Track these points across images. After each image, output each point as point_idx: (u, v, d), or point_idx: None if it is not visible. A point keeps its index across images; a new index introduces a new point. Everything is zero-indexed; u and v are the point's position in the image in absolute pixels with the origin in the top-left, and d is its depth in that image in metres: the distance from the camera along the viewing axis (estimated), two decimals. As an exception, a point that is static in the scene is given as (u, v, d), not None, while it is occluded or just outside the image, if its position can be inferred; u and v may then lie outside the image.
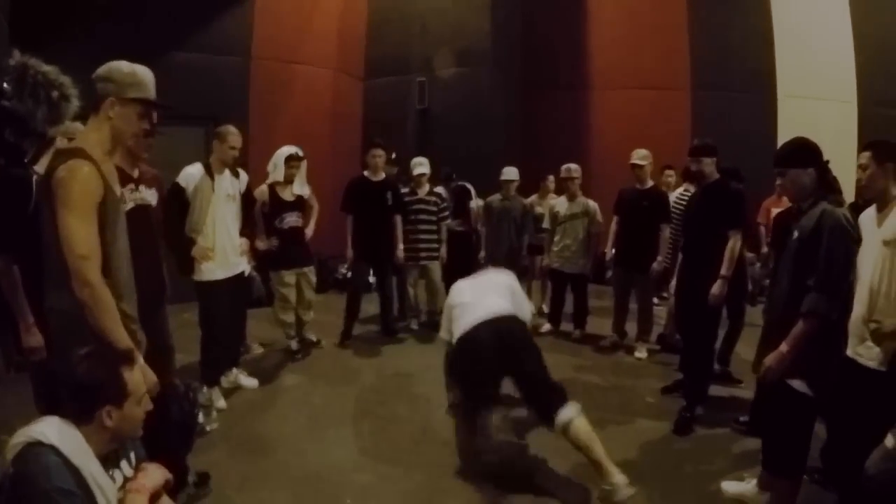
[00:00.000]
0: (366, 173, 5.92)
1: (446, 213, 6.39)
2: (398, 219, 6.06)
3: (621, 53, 9.29)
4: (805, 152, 2.79)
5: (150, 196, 3.18)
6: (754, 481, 3.07)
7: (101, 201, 2.11)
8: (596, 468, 3.01)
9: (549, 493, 3.25)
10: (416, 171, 6.21)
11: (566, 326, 6.40)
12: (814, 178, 2.73)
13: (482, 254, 6.65)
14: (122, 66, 2.24)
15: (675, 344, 5.70)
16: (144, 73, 2.28)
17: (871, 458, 2.07)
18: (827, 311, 2.53)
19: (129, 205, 2.95)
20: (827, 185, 2.74)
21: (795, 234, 2.72)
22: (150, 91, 2.29)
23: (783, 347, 2.62)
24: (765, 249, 7.16)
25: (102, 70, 2.22)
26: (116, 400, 1.78)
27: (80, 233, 2.03)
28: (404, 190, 6.26)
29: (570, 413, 3.10)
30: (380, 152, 5.85)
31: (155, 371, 2.25)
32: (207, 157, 4.39)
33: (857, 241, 2.67)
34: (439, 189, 6.61)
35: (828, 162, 2.77)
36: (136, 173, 3.03)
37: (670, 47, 8.99)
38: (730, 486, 3.21)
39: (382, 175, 5.91)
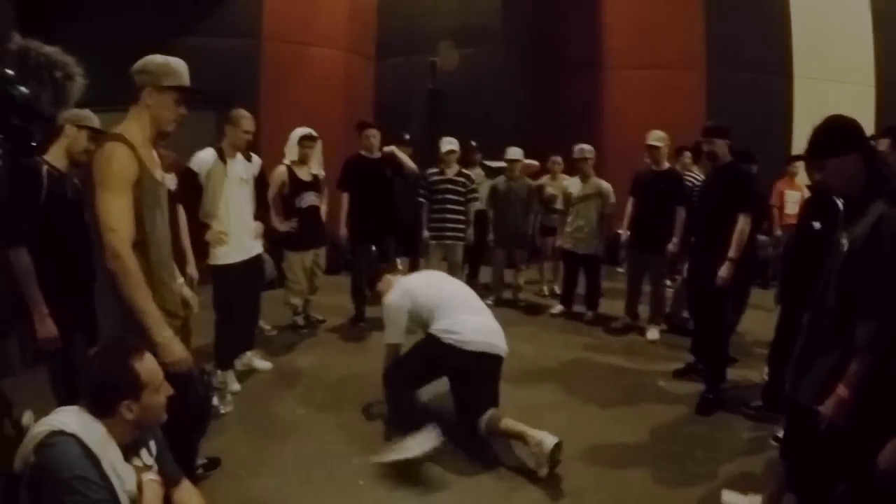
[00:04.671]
0: (362, 152, 5.86)
1: (475, 195, 6.31)
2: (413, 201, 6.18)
3: (636, 32, 9.14)
4: (843, 135, 2.30)
5: (168, 181, 3.23)
6: (758, 499, 2.91)
7: (137, 182, 2.25)
8: (522, 439, 3.27)
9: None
10: (445, 149, 6.14)
11: (578, 308, 6.40)
12: (860, 163, 2.24)
13: (490, 236, 6.66)
14: (157, 58, 2.38)
15: (681, 324, 5.72)
16: (178, 63, 2.40)
17: (884, 453, 2.01)
18: (888, 343, 2.05)
19: None
20: (876, 172, 2.25)
21: (845, 243, 2.27)
22: (184, 79, 2.41)
23: (842, 392, 2.14)
24: (778, 232, 7.12)
25: (138, 64, 2.36)
26: (133, 394, 1.80)
27: (111, 207, 2.18)
28: (433, 170, 6.22)
29: (488, 414, 3.41)
30: (374, 132, 5.79)
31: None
32: (219, 140, 4.39)
33: None
34: (468, 170, 6.49)
35: (872, 138, 2.36)
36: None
37: (686, 27, 8.82)
38: (730, 498, 3.05)
39: (378, 154, 5.84)
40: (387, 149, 5.83)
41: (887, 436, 2.08)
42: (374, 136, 5.78)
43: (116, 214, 2.18)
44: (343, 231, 5.79)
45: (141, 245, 2.28)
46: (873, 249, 2.12)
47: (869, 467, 2.08)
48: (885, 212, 2.12)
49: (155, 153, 2.50)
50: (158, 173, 2.47)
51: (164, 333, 2.22)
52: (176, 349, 2.26)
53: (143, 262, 2.27)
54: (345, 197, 5.80)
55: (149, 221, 2.31)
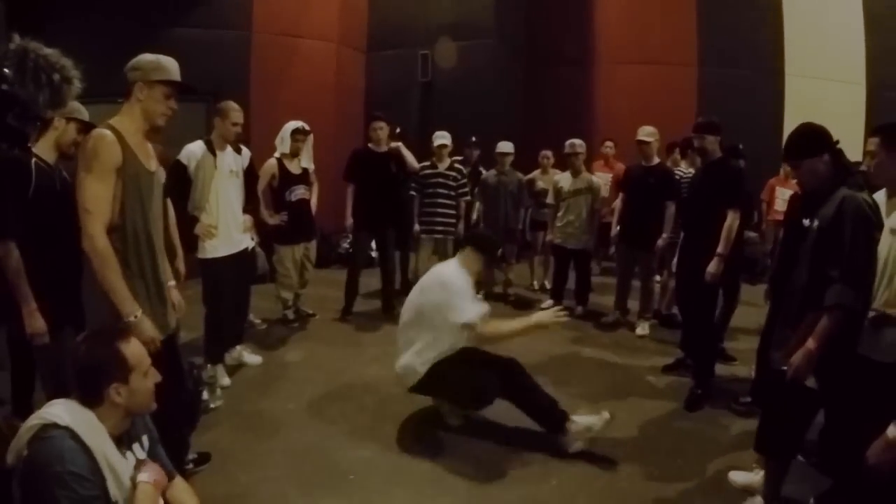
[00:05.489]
0: (370, 145, 5.89)
1: (465, 189, 6.30)
2: (413, 196, 6.17)
3: (628, 28, 9.14)
4: (815, 139, 2.71)
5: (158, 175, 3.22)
6: (762, 473, 3.02)
7: (121, 168, 2.32)
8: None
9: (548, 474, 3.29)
10: (437, 143, 6.11)
11: (568, 302, 6.41)
12: (829, 163, 2.65)
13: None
14: (148, 56, 2.47)
15: (670, 317, 5.78)
16: (168, 60, 2.49)
17: (873, 449, 2.05)
18: (853, 303, 2.42)
19: None
20: (843, 168, 2.66)
21: (815, 222, 2.63)
22: (174, 75, 2.49)
23: (810, 344, 2.49)
24: (764, 227, 7.19)
25: (130, 63, 2.45)
26: (121, 376, 1.80)
27: (89, 189, 2.27)
28: (424, 164, 6.20)
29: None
30: (381, 125, 5.80)
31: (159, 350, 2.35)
32: (209, 133, 4.37)
33: (879, 227, 2.54)
34: (460, 164, 6.45)
35: (837, 142, 2.69)
36: None
37: (678, 22, 8.83)
38: (737, 477, 3.16)
39: (385, 147, 5.85)
40: (393, 144, 5.83)
41: (847, 394, 2.48)
42: (380, 128, 5.78)
43: (93, 196, 2.26)
44: (349, 221, 5.81)
45: (118, 230, 2.35)
46: (839, 225, 2.48)
47: (855, 462, 2.12)
48: (847, 194, 2.52)
49: (150, 146, 2.55)
50: (152, 164, 2.54)
51: (135, 311, 2.31)
52: (146, 327, 2.33)
53: (120, 246, 2.34)
54: (350, 188, 5.82)
55: (129, 208, 2.37)
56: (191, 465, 3.04)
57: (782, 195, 7.19)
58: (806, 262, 2.64)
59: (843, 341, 2.50)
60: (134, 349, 1.86)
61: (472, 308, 3.48)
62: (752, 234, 6.73)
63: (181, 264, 3.91)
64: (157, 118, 2.49)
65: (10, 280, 2.67)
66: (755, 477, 3.07)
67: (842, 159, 2.68)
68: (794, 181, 7.19)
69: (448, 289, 3.54)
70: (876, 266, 2.52)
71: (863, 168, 2.83)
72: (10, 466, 1.72)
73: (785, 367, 2.59)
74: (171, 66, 2.48)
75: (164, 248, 2.66)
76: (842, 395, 2.54)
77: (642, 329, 5.69)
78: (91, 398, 1.78)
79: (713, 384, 4.26)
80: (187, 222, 4.08)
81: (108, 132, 2.31)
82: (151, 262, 2.50)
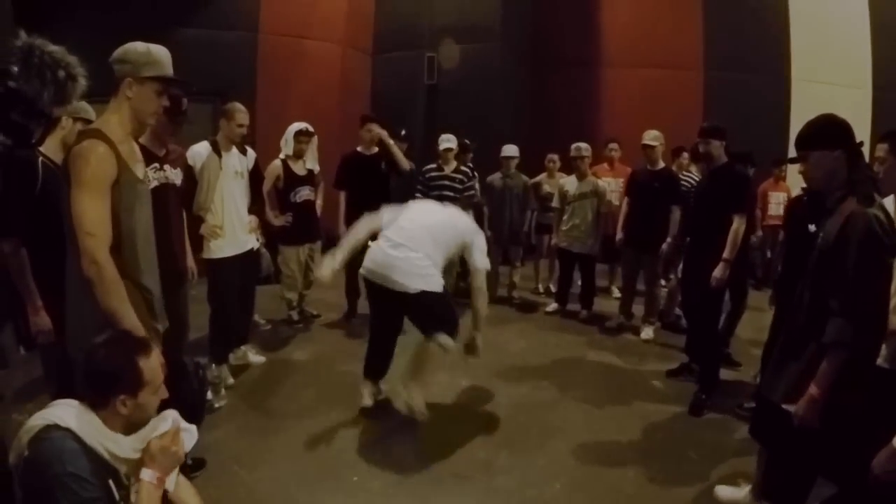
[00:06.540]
0: (359, 148, 5.79)
1: (472, 192, 6.26)
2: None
3: (634, 31, 9.13)
4: (832, 131, 2.37)
5: (174, 175, 3.25)
6: (748, 487, 2.98)
7: (116, 181, 2.14)
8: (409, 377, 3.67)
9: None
10: (443, 147, 6.08)
11: (573, 306, 6.41)
12: (843, 162, 2.30)
13: (487, 233, 6.65)
14: (137, 45, 2.25)
15: (674, 322, 5.77)
16: (160, 51, 2.28)
17: (878, 458, 2.01)
18: (854, 340, 2.12)
19: (153, 183, 3.03)
20: (859, 171, 2.30)
21: (819, 238, 2.35)
22: (167, 69, 2.29)
23: (813, 391, 2.20)
24: (759, 233, 7.18)
25: (118, 52, 2.24)
26: (132, 389, 1.79)
27: (89, 211, 2.06)
28: (430, 166, 6.18)
29: (442, 340, 3.51)
30: (371, 126, 5.69)
31: (168, 346, 2.32)
32: (215, 133, 4.38)
33: (893, 248, 2.18)
34: (465, 167, 6.34)
35: (861, 144, 2.35)
36: (162, 152, 3.14)
37: (684, 26, 8.82)
38: (723, 491, 3.09)
39: (375, 149, 5.73)
40: (377, 129, 5.61)
41: (860, 433, 2.16)
42: (372, 130, 5.66)
43: (95, 218, 2.07)
44: (343, 229, 5.71)
45: (115, 247, 2.16)
46: (842, 248, 2.17)
47: (859, 471, 2.10)
48: (854, 209, 2.18)
49: (136, 147, 2.39)
50: (140, 169, 2.36)
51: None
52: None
53: (116, 262, 2.15)
54: (342, 195, 5.75)
55: (125, 223, 2.21)
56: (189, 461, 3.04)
57: (775, 199, 7.20)
58: (809, 281, 2.39)
59: (850, 386, 2.19)
60: (151, 365, 1.85)
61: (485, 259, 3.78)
62: (755, 240, 6.72)
63: (192, 263, 3.91)
64: (147, 117, 2.32)
65: (16, 278, 2.68)
66: (741, 493, 3.02)
67: (859, 162, 2.34)
68: (786, 184, 7.28)
69: (478, 232, 3.86)
70: (889, 295, 2.27)
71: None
72: (12, 467, 1.72)
73: (785, 406, 2.36)
74: (163, 59, 2.28)
75: (155, 259, 2.48)
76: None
77: (647, 333, 5.67)
78: (97, 402, 1.78)
79: (717, 389, 4.25)
80: (193, 223, 4.09)
81: (100, 143, 2.11)
82: (144, 272, 2.35)
